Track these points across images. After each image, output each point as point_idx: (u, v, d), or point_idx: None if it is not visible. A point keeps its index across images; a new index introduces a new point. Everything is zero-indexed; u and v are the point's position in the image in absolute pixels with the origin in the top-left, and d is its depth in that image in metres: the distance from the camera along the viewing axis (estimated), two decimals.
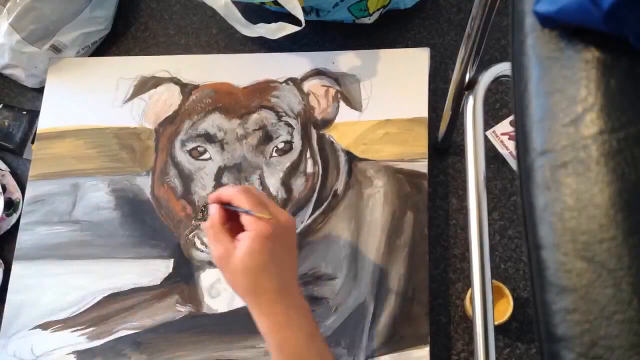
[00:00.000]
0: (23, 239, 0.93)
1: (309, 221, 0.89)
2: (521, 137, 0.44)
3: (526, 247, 0.43)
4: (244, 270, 0.66)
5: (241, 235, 0.66)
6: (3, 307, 0.90)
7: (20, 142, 1.02)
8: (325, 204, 0.90)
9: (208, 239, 0.71)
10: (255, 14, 0.97)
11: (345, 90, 0.96)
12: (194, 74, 1.00)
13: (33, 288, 0.90)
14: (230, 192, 0.69)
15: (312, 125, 0.95)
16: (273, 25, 0.92)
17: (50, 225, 0.93)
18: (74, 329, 0.87)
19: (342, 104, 0.96)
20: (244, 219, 0.67)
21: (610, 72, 0.41)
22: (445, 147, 0.95)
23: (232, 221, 0.69)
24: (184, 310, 0.87)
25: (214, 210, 0.69)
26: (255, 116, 0.95)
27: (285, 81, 0.98)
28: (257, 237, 0.65)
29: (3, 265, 0.94)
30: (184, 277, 0.88)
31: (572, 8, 0.41)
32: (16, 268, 0.92)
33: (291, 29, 0.90)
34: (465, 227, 0.90)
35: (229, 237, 0.67)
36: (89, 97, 1.01)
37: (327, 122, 0.95)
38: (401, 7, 1.02)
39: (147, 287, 0.89)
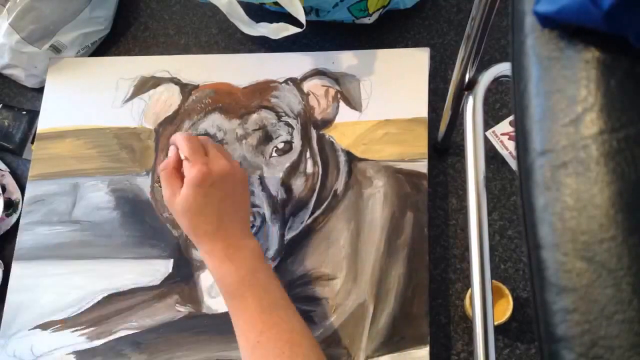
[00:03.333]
0: (23, 239, 0.93)
1: (309, 221, 0.89)
2: (521, 137, 0.44)
3: (526, 247, 0.43)
4: (182, 212, 0.73)
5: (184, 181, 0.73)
6: (3, 307, 0.90)
7: (19, 142, 1.02)
8: (325, 204, 0.90)
9: (161, 180, 0.76)
10: (254, 14, 0.97)
11: (345, 90, 0.96)
12: (193, 74, 1.00)
13: (33, 288, 0.90)
14: (177, 137, 0.76)
15: (312, 125, 0.95)
16: (275, 25, 0.92)
17: (50, 226, 0.93)
18: (73, 329, 0.87)
19: (342, 104, 0.96)
20: (184, 168, 0.74)
21: (610, 72, 0.41)
22: (445, 147, 0.95)
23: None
24: (183, 310, 0.87)
25: (171, 153, 0.76)
26: (255, 116, 0.95)
27: (285, 81, 0.98)
28: (189, 183, 0.72)
29: (3, 265, 0.94)
30: (184, 277, 0.88)
31: (572, 8, 0.41)
32: (16, 268, 0.92)
33: (293, 29, 0.90)
34: (465, 227, 0.90)
35: (179, 181, 0.74)
36: (89, 97, 1.01)
37: (327, 122, 0.95)
38: (401, 7, 1.02)
39: (147, 287, 0.89)
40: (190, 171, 0.72)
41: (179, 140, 0.76)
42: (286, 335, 0.69)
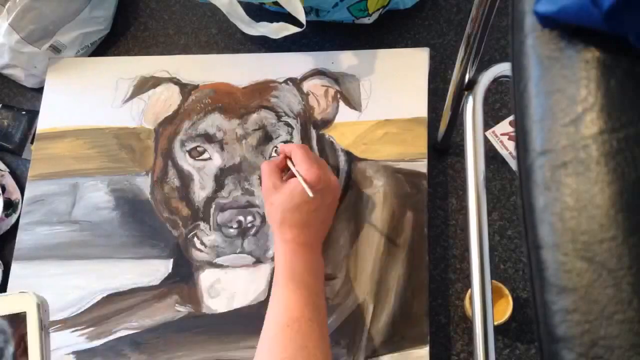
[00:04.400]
0: (22, 239, 0.93)
1: None
2: (521, 137, 0.44)
3: (526, 247, 0.43)
4: (282, 203, 0.78)
5: (292, 180, 0.80)
6: None
7: (19, 142, 1.02)
8: None
9: (262, 173, 0.83)
10: (254, 15, 0.97)
11: (344, 90, 0.96)
12: (193, 74, 1.00)
13: (32, 288, 0.89)
14: (292, 146, 0.83)
15: (312, 125, 0.95)
16: (275, 24, 0.92)
17: (49, 226, 0.93)
18: (73, 329, 0.87)
19: (341, 104, 0.95)
20: (301, 167, 0.80)
21: (610, 72, 0.41)
22: (444, 147, 0.95)
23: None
24: (183, 310, 0.87)
25: (280, 157, 0.84)
26: (254, 116, 0.95)
27: (285, 81, 0.98)
28: (304, 181, 0.78)
29: (2, 265, 0.94)
30: (184, 277, 0.88)
31: (572, 8, 0.41)
32: (15, 268, 0.92)
33: (293, 29, 0.90)
34: (464, 228, 0.90)
35: (279, 176, 0.82)
36: (89, 97, 1.01)
37: (327, 122, 0.95)
38: (401, 7, 1.02)
39: (147, 287, 0.88)
40: (310, 171, 0.78)
41: (296, 148, 0.82)
42: (315, 335, 0.71)
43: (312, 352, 0.69)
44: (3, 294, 0.62)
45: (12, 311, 0.57)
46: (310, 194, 0.76)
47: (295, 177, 0.80)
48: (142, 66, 1.02)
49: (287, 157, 0.83)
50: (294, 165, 0.81)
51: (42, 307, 0.56)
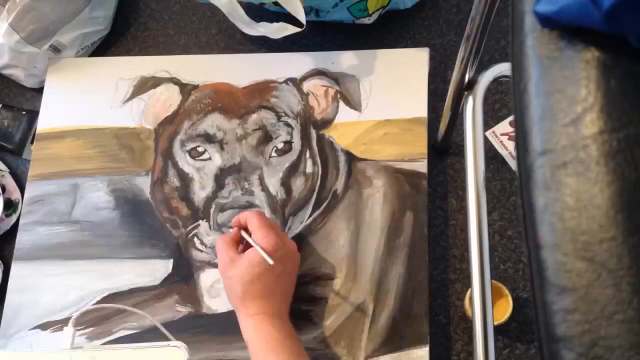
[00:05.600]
0: (22, 239, 0.93)
1: (309, 221, 0.89)
2: (521, 137, 0.44)
3: (526, 247, 0.43)
4: (241, 275, 0.76)
5: (249, 250, 0.77)
6: (2, 307, 0.90)
7: (19, 142, 1.02)
8: (325, 204, 0.90)
9: (217, 249, 0.81)
10: (254, 14, 0.97)
11: (344, 90, 0.96)
12: (193, 74, 1.00)
13: (32, 288, 0.90)
14: (248, 214, 0.81)
15: (312, 125, 0.95)
16: (275, 24, 0.92)
17: (49, 226, 0.93)
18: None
19: (341, 104, 0.95)
20: (256, 235, 0.77)
21: (610, 72, 0.41)
22: (444, 147, 0.95)
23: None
24: (183, 310, 0.87)
25: (234, 231, 0.81)
26: (254, 116, 0.95)
27: (285, 81, 0.98)
28: (263, 249, 0.76)
29: (2, 265, 0.94)
30: (184, 277, 0.88)
31: (572, 8, 0.41)
32: (15, 268, 0.92)
33: (293, 29, 0.90)
34: (464, 228, 0.90)
35: (236, 249, 0.79)
36: (89, 98, 1.01)
37: (327, 122, 0.95)
38: (401, 8, 1.02)
39: (147, 287, 0.88)
40: (267, 239, 0.76)
41: (252, 215, 0.80)
42: None
43: None
44: (151, 344, 0.58)
45: None
46: (270, 262, 0.74)
47: (252, 247, 0.77)
48: (142, 66, 1.02)
49: (241, 228, 0.81)
50: (250, 235, 0.79)
51: None
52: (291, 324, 0.77)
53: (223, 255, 0.79)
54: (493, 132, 0.95)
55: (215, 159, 0.93)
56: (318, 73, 0.98)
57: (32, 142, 1.02)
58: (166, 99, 0.99)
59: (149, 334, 0.86)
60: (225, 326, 0.85)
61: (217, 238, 0.83)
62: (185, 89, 0.99)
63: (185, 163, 0.94)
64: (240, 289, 0.76)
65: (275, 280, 0.76)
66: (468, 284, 0.87)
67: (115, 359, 0.56)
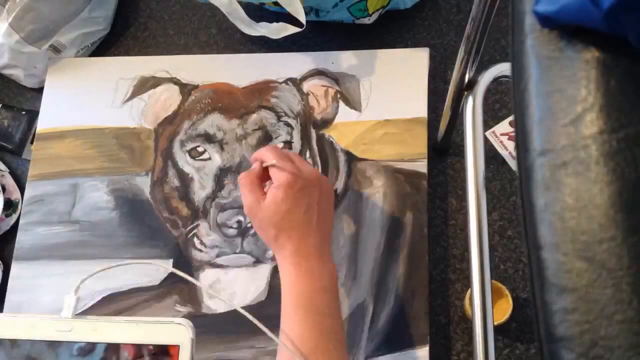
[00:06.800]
0: (22, 239, 0.93)
1: None
2: (521, 137, 0.44)
3: (526, 247, 0.43)
4: (270, 216, 0.70)
5: (271, 187, 0.72)
6: (2, 307, 0.90)
7: (19, 142, 1.02)
8: None
9: (241, 189, 0.74)
10: (254, 14, 0.97)
11: (344, 90, 0.96)
12: (193, 74, 1.00)
13: (32, 288, 0.90)
14: (261, 150, 0.75)
15: (312, 125, 0.95)
16: (275, 25, 0.92)
17: (49, 226, 0.93)
18: None
19: (341, 104, 0.95)
20: (272, 174, 0.73)
21: (610, 72, 0.41)
22: (444, 148, 0.95)
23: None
24: (183, 310, 0.87)
25: (255, 166, 0.75)
26: (254, 116, 0.95)
27: (285, 81, 0.98)
28: (280, 185, 0.70)
29: (2, 265, 0.94)
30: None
31: (572, 8, 0.41)
32: (15, 268, 0.92)
33: (293, 29, 0.90)
34: (464, 228, 0.90)
35: (261, 189, 0.73)
36: (88, 98, 1.01)
37: (327, 122, 0.95)
38: (401, 8, 1.02)
39: (146, 287, 0.88)
40: (281, 174, 0.71)
41: (265, 151, 0.75)
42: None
43: None
44: (155, 318, 0.54)
45: (162, 342, 0.51)
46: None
47: (274, 184, 0.72)
48: (142, 66, 1.02)
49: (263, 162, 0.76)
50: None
51: (195, 341, 0.50)
52: (333, 263, 0.72)
53: (248, 197, 0.72)
54: (493, 132, 0.95)
55: (215, 159, 0.93)
56: (318, 73, 0.98)
57: (32, 142, 1.02)
58: (166, 99, 0.99)
59: None
60: (225, 326, 0.85)
61: (239, 176, 0.75)
62: (185, 89, 0.99)
63: (185, 163, 0.94)
64: (272, 230, 0.70)
65: (306, 214, 0.71)
66: (468, 284, 0.87)
67: (118, 331, 0.53)
